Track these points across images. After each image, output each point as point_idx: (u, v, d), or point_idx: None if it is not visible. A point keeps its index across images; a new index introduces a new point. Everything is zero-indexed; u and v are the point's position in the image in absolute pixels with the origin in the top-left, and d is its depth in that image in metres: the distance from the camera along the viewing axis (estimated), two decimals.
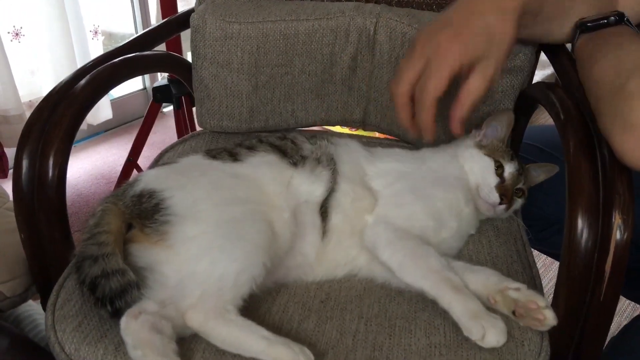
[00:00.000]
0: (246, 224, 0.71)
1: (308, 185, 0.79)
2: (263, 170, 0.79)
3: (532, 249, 0.87)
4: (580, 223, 0.64)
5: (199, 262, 0.67)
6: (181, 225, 0.69)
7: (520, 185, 0.84)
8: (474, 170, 0.84)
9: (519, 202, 0.85)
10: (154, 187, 0.73)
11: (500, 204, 0.82)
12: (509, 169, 0.83)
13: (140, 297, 0.65)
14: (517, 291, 0.68)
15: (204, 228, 0.70)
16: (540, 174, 0.89)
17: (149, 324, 0.61)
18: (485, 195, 0.82)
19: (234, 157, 0.80)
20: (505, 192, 0.82)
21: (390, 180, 0.83)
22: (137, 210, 0.71)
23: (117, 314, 0.64)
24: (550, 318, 0.65)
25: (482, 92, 0.71)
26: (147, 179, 0.75)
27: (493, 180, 0.83)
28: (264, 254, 0.69)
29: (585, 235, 0.64)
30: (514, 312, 0.67)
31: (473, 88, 0.71)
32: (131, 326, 0.62)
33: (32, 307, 1.09)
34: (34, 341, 0.98)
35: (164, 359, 0.60)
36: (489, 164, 0.83)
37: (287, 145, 0.84)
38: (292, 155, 0.81)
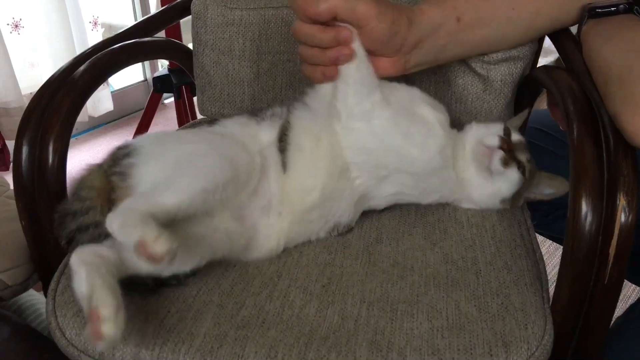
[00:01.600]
0: (201, 155, 0.72)
1: (266, 133, 0.81)
2: (232, 127, 0.82)
3: (538, 235, 0.86)
4: (584, 206, 0.63)
5: (143, 185, 0.68)
6: (144, 165, 0.70)
7: (524, 158, 0.81)
8: (479, 129, 0.84)
9: (515, 174, 0.80)
10: (131, 141, 0.75)
11: (500, 148, 0.79)
12: (516, 136, 0.82)
13: None
14: None
15: (161, 163, 0.70)
16: (546, 188, 0.85)
17: (93, 251, 0.63)
18: (485, 138, 0.81)
19: (210, 123, 0.84)
20: (507, 144, 0.80)
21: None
22: (110, 161, 0.72)
23: None
24: None
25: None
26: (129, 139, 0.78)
27: (498, 130, 0.82)
28: (209, 179, 0.68)
29: (589, 218, 0.63)
30: None
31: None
32: (77, 253, 0.63)
33: (35, 297, 1.09)
34: (37, 330, 0.97)
35: (94, 274, 0.59)
36: (497, 124, 0.84)
37: (260, 109, 0.86)
38: (261, 114, 0.84)
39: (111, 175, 0.70)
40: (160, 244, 0.57)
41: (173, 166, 0.70)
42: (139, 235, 0.58)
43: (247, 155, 0.76)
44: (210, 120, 0.85)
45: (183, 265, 0.70)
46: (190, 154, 0.72)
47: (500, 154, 0.80)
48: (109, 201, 0.70)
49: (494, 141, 0.81)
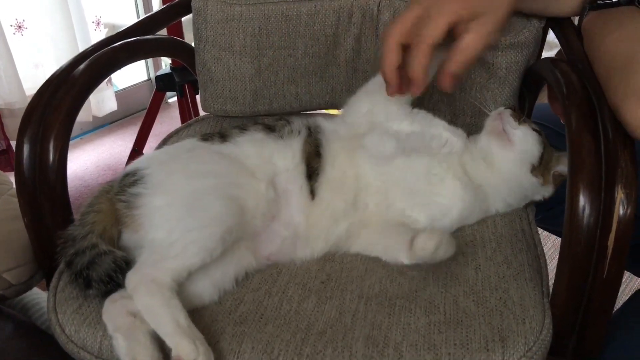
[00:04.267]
0: (211, 196, 0.71)
1: (282, 155, 0.79)
2: (246, 146, 0.79)
3: (542, 230, 0.85)
4: (582, 199, 0.63)
5: (157, 231, 0.69)
6: (151, 197, 0.70)
7: (532, 125, 0.82)
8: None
9: (530, 130, 0.80)
10: (138, 166, 0.74)
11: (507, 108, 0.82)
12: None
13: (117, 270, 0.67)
14: None
15: (170, 199, 0.70)
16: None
17: (125, 308, 0.64)
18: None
19: (223, 138, 0.81)
20: (515, 110, 0.82)
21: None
22: (117, 188, 0.73)
23: (89, 285, 0.67)
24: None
25: (478, 50, 0.69)
26: (139, 160, 0.77)
27: None
28: (224, 227, 0.69)
29: (587, 211, 0.62)
30: None
31: (468, 45, 0.69)
32: (109, 310, 0.65)
33: (39, 295, 1.09)
34: (41, 328, 0.98)
35: (131, 341, 0.61)
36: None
37: (279, 123, 0.84)
38: (279, 130, 0.82)
39: (117, 202, 0.71)
40: None
41: (185, 211, 0.69)
42: (175, 346, 0.60)
43: (253, 187, 0.75)
44: (223, 134, 0.82)
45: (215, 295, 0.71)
46: (200, 195, 0.71)
47: (509, 111, 0.81)
48: (116, 222, 0.71)
49: (501, 108, 0.83)
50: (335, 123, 0.86)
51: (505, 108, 0.82)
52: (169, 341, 0.61)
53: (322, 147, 0.80)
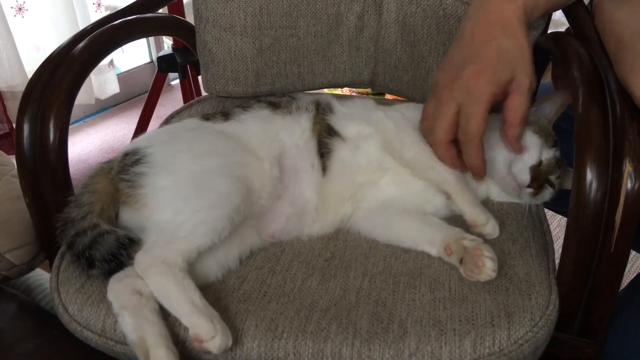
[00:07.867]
0: (218, 176, 0.71)
1: (289, 132, 0.79)
2: (250, 124, 0.79)
3: (548, 210, 0.84)
4: (589, 173, 0.62)
5: (163, 211, 0.68)
6: (155, 176, 0.70)
7: (553, 177, 0.77)
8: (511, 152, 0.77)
9: (548, 193, 0.78)
10: (139, 145, 0.74)
11: (529, 186, 0.75)
12: (547, 154, 0.77)
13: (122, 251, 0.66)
14: (472, 241, 0.68)
15: (176, 179, 0.70)
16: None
17: (130, 287, 0.63)
18: (517, 171, 0.76)
19: (226, 116, 0.80)
20: (538, 175, 0.75)
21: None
22: (119, 167, 0.72)
23: (92, 265, 0.66)
24: (488, 267, 0.64)
25: (526, 106, 0.71)
26: (138, 139, 0.76)
27: (531, 159, 0.76)
28: (232, 207, 0.68)
29: (594, 185, 0.61)
30: (461, 260, 0.67)
31: (516, 107, 0.71)
32: (114, 288, 0.64)
33: (42, 276, 1.09)
34: (45, 308, 0.98)
35: (138, 318, 0.61)
36: (536, 142, 0.77)
37: (283, 100, 0.83)
38: (285, 107, 0.81)
39: (119, 182, 0.71)
40: (216, 344, 0.59)
41: (192, 191, 0.69)
42: (192, 326, 0.60)
43: (258, 166, 0.74)
44: (225, 113, 0.81)
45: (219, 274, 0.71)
46: (207, 174, 0.71)
47: (529, 191, 0.76)
48: (113, 201, 0.71)
49: (525, 178, 0.76)
50: (348, 107, 0.85)
51: (530, 171, 0.76)
52: (186, 321, 0.61)
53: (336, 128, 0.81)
